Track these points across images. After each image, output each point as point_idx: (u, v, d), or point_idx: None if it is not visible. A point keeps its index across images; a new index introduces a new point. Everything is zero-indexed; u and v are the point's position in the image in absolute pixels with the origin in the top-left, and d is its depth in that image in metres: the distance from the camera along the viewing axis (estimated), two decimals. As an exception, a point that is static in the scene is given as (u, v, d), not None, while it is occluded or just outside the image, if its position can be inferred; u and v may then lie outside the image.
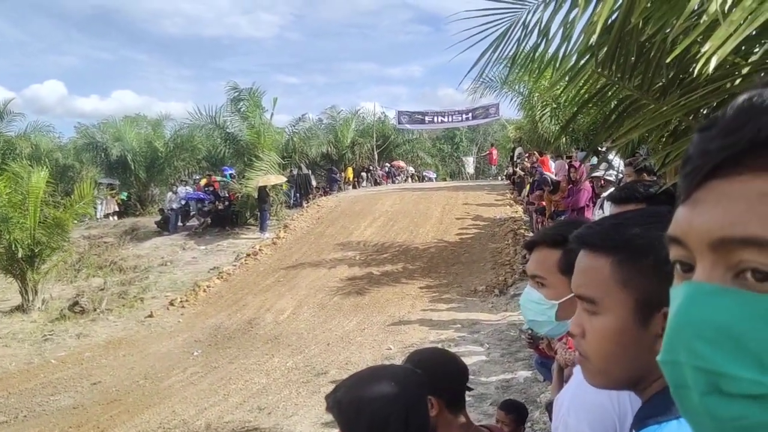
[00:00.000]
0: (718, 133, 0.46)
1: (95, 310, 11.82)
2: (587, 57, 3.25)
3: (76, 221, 14.05)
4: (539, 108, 17.45)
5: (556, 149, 14.48)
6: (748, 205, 0.44)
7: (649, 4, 2.46)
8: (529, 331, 7.30)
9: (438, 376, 1.66)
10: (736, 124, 0.45)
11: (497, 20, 4.43)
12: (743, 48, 2.15)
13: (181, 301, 12.20)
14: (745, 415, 0.44)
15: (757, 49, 2.18)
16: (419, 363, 1.72)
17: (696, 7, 1.85)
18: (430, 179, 30.83)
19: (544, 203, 11.64)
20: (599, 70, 2.76)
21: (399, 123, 27.97)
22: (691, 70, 2.31)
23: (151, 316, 11.46)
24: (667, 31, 2.09)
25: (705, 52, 1.77)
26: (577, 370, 1.35)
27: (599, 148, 4.76)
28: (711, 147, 0.46)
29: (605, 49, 2.68)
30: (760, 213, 0.43)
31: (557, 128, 16.42)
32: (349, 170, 26.30)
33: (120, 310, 11.99)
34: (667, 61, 2.08)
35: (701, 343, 0.45)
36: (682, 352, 0.47)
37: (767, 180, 0.43)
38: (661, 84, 2.65)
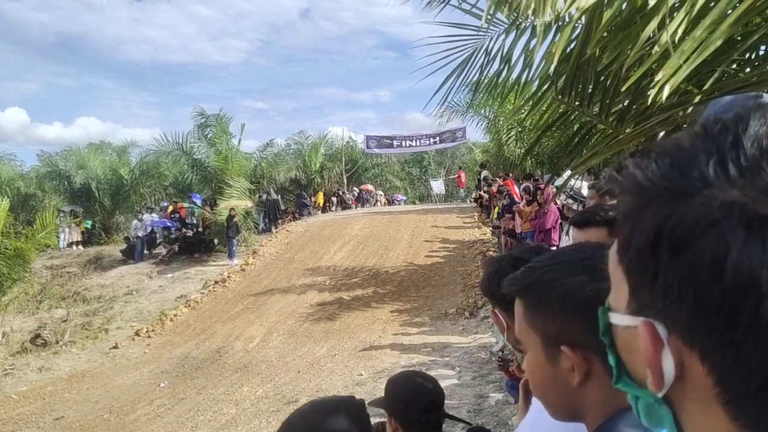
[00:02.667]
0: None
1: (58, 342, 11.50)
2: (548, 84, 3.35)
3: (38, 251, 13.67)
4: (504, 131, 17.76)
5: (522, 171, 14.71)
6: None
7: (605, 34, 2.56)
8: (500, 354, 7.30)
9: (394, 398, 1.72)
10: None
11: (460, 47, 4.53)
12: (696, 77, 2.25)
13: (147, 331, 11.92)
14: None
15: (708, 78, 2.28)
16: (387, 384, 1.79)
17: (651, 35, 1.92)
18: (399, 202, 30.97)
19: (512, 225, 11.79)
20: (559, 97, 2.83)
21: (367, 147, 28.13)
22: (646, 97, 2.39)
23: (116, 347, 11.17)
24: (623, 60, 2.17)
25: (658, 81, 1.84)
26: (536, 400, 1.37)
27: (560, 173, 4.87)
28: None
29: (564, 76, 2.75)
30: None
31: (522, 151, 16.71)
32: (320, 195, 26.28)
33: (84, 341, 11.67)
34: (623, 89, 2.16)
35: None
36: None
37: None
38: (618, 110, 2.73)
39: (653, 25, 1.83)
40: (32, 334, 11.94)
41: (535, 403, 1.33)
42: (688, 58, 1.80)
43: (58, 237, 18.89)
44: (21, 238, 12.98)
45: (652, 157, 0.47)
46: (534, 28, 3.88)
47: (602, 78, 2.57)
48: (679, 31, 1.82)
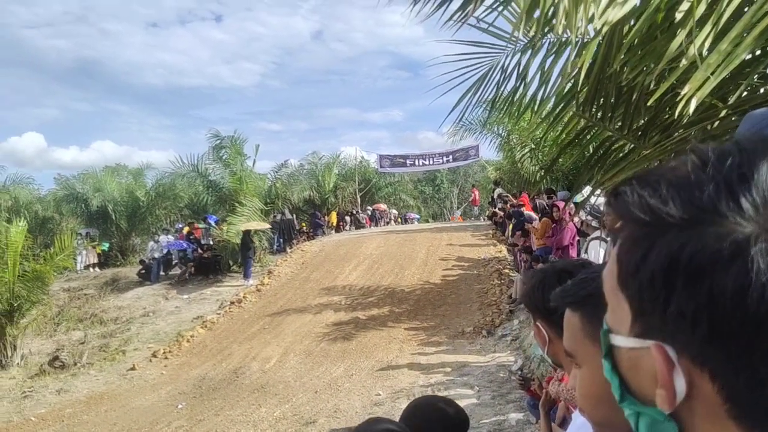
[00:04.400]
0: None
1: (76, 364, 11.54)
2: (567, 100, 3.35)
3: (56, 273, 13.80)
4: (518, 149, 17.75)
5: (537, 188, 14.67)
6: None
7: (625, 51, 2.56)
8: (519, 373, 7.23)
9: (416, 423, 1.70)
10: None
11: (476, 65, 4.55)
12: (720, 91, 2.24)
13: (164, 352, 11.94)
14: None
15: (733, 92, 2.27)
16: (409, 408, 1.76)
17: (676, 48, 1.92)
18: (412, 221, 30.96)
19: (526, 243, 11.73)
20: (580, 112, 2.83)
21: (381, 166, 28.23)
22: (669, 111, 2.38)
23: (133, 368, 11.19)
24: (647, 73, 2.16)
25: (685, 95, 1.84)
26: (576, 415, 1.34)
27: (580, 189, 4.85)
28: None
29: (585, 91, 2.76)
30: None
31: (537, 168, 16.69)
32: (333, 214, 26.35)
33: (101, 363, 11.71)
34: (649, 103, 2.16)
35: None
36: None
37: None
38: (640, 125, 2.72)
39: (680, 38, 1.83)
40: (50, 356, 12.00)
41: (575, 419, 1.31)
42: (714, 71, 1.80)
43: (75, 259, 19.08)
44: (40, 261, 13.12)
45: (654, 186, 0.49)
46: (550, 45, 3.91)
47: (624, 92, 2.58)
48: (706, 45, 1.82)
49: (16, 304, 12.13)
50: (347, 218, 26.49)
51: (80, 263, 21.67)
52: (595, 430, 0.93)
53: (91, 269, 22.23)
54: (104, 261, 23.52)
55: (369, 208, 28.91)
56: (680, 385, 0.48)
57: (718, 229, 0.45)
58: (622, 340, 0.54)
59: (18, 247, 12.41)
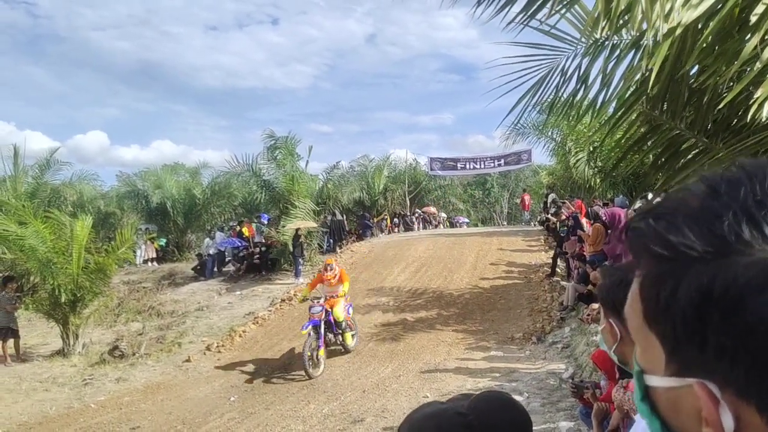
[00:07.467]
0: None
1: (134, 354, 11.92)
2: (630, 103, 3.30)
3: (117, 266, 14.32)
4: (573, 153, 17.43)
5: (591, 193, 14.39)
6: None
7: (698, 53, 2.51)
8: (571, 381, 7.09)
9: (486, 422, 1.67)
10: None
11: (534, 67, 4.52)
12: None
13: (217, 346, 12.25)
14: None
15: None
16: (478, 401, 1.74)
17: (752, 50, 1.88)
18: (461, 225, 30.79)
19: (578, 249, 11.52)
20: (648, 110, 2.79)
21: (431, 169, 28.19)
22: (741, 114, 2.33)
23: (188, 360, 11.52)
24: (719, 75, 2.12)
25: (757, 98, 1.80)
26: (638, 419, 1.34)
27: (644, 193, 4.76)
28: None
29: (655, 91, 2.71)
30: None
31: (593, 173, 16.35)
32: (381, 216, 26.48)
33: (158, 354, 12.07)
34: (720, 106, 2.12)
35: None
36: None
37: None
38: (710, 126, 2.66)
39: (755, 41, 1.80)
40: (110, 345, 12.40)
41: (635, 428, 1.31)
42: (790, 74, 1.76)
43: (134, 254, 19.78)
44: (102, 254, 13.62)
45: (670, 219, 0.49)
46: (613, 47, 3.86)
47: (695, 94, 2.53)
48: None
49: (79, 295, 12.61)
50: (396, 220, 26.58)
51: (139, 257, 22.44)
52: None
53: (150, 263, 23.00)
54: (162, 256, 24.29)
55: (417, 210, 28.92)
56: (728, 421, 0.46)
57: (745, 258, 0.44)
58: (658, 380, 0.52)
59: (83, 241, 12.92)
